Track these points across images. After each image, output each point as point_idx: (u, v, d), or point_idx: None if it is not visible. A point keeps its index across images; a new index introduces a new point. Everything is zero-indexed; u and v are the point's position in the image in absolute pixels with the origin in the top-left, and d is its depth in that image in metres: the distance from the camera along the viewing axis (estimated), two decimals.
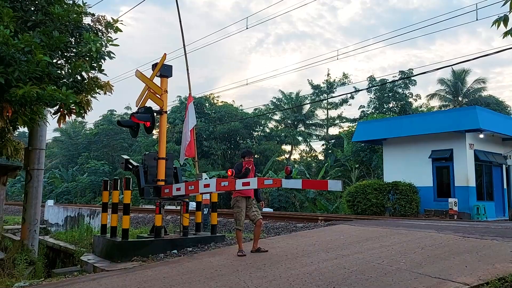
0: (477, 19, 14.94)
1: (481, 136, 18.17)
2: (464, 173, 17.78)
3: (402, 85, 35.32)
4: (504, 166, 19.97)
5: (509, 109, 37.89)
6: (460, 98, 39.63)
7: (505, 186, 20.05)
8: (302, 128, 46.25)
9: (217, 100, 43.73)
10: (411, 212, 18.00)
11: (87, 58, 7.41)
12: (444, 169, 18.86)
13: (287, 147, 46.25)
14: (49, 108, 7.86)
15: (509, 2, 3.54)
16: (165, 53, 9.13)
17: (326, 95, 43.40)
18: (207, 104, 42.25)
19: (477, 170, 18.34)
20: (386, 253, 6.49)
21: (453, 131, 17.81)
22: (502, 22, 3.67)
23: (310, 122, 46.30)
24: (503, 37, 3.67)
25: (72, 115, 7.68)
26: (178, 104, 40.78)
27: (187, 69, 12.37)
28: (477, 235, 7.63)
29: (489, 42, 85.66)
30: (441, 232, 8.17)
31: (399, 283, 4.84)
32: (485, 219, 16.75)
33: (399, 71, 34.78)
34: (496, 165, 19.66)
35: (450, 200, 17.11)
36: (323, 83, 43.88)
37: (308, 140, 46.18)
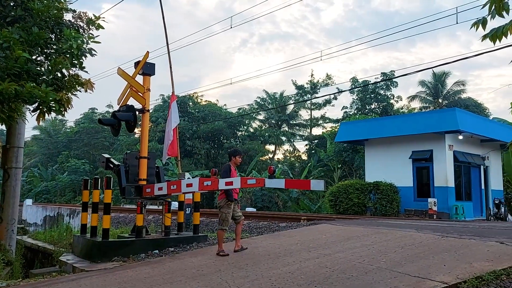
0: (457, 22, 15.28)
1: (460, 137, 18.50)
2: (444, 173, 18.09)
3: (384, 87, 35.76)
4: (482, 167, 20.37)
5: (487, 111, 38.69)
6: (440, 100, 40.32)
7: (483, 187, 20.43)
8: (286, 128, 46.42)
9: (201, 99, 43.59)
10: (391, 211, 18.23)
11: (68, 55, 7.29)
12: (424, 170, 19.14)
13: (271, 147, 46.40)
14: (27, 106, 7.71)
15: (488, 5, 3.62)
16: (147, 51, 9.06)
17: (309, 96, 43.64)
18: (190, 103, 42.03)
19: (456, 171, 18.68)
20: (367, 252, 6.55)
21: (433, 132, 18.10)
22: (480, 25, 3.75)
23: (294, 122, 46.52)
24: (482, 40, 3.75)
25: (51, 113, 7.54)
26: (161, 103, 40.47)
27: (170, 68, 12.27)
28: (456, 234, 7.76)
29: (468, 46, 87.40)
30: (420, 231, 8.29)
31: (379, 282, 4.89)
32: (463, 218, 17.06)
33: (381, 73, 35.23)
34: (474, 166, 20.05)
35: (429, 200, 17.38)
36: (307, 83, 44.14)
37: (292, 140, 46.39)
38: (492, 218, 18.36)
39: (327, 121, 45.13)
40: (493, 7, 3.65)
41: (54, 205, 23.46)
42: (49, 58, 7.42)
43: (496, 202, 18.56)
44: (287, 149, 48.29)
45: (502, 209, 18.28)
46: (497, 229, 9.33)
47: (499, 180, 21.65)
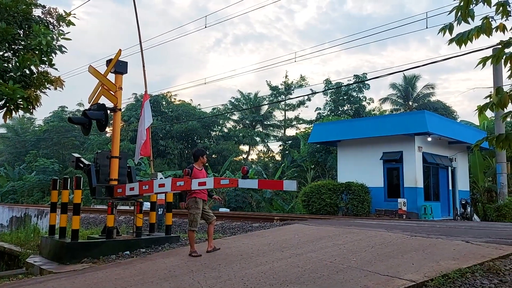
0: (427, 27, 15.70)
1: (429, 139, 18.98)
2: (413, 174, 18.52)
3: (357, 89, 36.30)
4: (449, 168, 20.95)
5: (455, 114, 39.83)
6: (410, 103, 41.27)
7: (450, 187, 21.02)
8: (260, 129, 46.53)
9: (175, 99, 43.19)
10: (363, 211, 18.53)
11: (37, 52, 7.11)
12: (394, 171, 19.55)
13: (245, 147, 46.43)
14: None
15: (455, 11, 3.75)
16: (120, 49, 8.93)
17: (284, 97, 43.91)
18: (164, 103, 41.57)
19: (425, 172, 19.14)
20: (338, 252, 6.65)
21: (403, 134, 18.50)
22: (447, 30, 3.88)
23: (268, 123, 46.69)
24: (448, 44, 3.88)
25: (19, 110, 7.35)
26: (134, 102, 39.89)
27: (143, 66, 12.11)
28: (424, 234, 7.96)
29: (437, 50, 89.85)
30: (390, 231, 8.46)
31: (349, 281, 4.97)
32: (431, 218, 17.52)
33: (354, 75, 35.77)
34: (442, 167, 20.61)
35: (399, 200, 17.77)
36: (281, 84, 44.39)
37: (266, 141, 46.53)
38: (458, 218, 18.91)
39: (301, 122, 45.54)
40: (459, 14, 3.78)
41: (21, 206, 22.79)
42: (17, 54, 7.22)
43: (463, 202, 19.13)
44: (261, 150, 48.48)
45: (468, 209, 18.86)
46: (463, 228, 9.63)
47: (465, 181, 22.34)
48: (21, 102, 7.07)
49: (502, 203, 18.39)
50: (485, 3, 3.76)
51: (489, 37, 3.82)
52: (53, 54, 7.36)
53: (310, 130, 29.39)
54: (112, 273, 6.36)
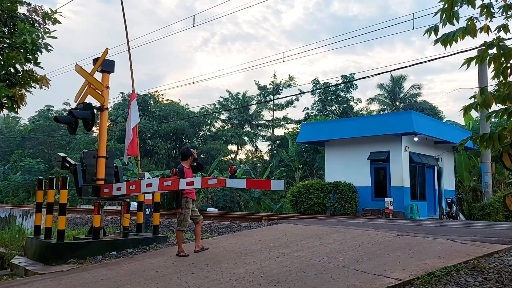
0: (413, 28, 15.87)
1: (416, 139, 19.18)
2: (400, 174, 18.68)
3: (344, 89, 36.49)
4: (435, 168, 21.18)
5: (441, 114, 40.27)
6: (397, 103, 41.62)
7: (436, 187, 21.26)
8: (248, 129, 46.53)
9: (162, 98, 42.97)
10: (350, 211, 18.64)
11: (22, 50, 7.03)
12: (381, 170, 19.69)
13: (233, 147, 46.37)
14: None
15: (439, 13, 3.80)
16: (107, 48, 8.86)
17: (272, 96, 43.98)
18: (151, 102, 41.33)
19: (411, 171, 19.32)
20: (326, 251, 6.68)
21: (390, 134, 18.66)
22: (433, 32, 3.94)
23: (256, 122, 46.71)
24: (434, 44, 3.93)
25: (4, 109, 7.25)
26: (121, 101, 39.57)
27: (131, 65, 11.98)
28: (410, 232, 8.05)
29: (422, 51, 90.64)
30: (377, 230, 8.53)
31: (337, 280, 5.00)
32: (418, 217, 17.69)
33: (342, 75, 35.97)
34: (428, 167, 20.83)
35: (386, 199, 17.92)
36: (270, 84, 44.44)
37: (254, 141, 46.55)
38: (444, 217, 19.16)
39: (289, 122, 45.65)
40: (444, 15, 3.83)
41: (6, 206, 22.46)
42: (2, 52, 7.13)
43: (449, 201, 19.37)
44: (249, 150, 48.48)
45: (454, 208, 19.11)
46: (449, 227, 9.75)
47: (451, 181, 22.61)
48: (6, 101, 6.98)
49: (487, 202, 18.65)
50: (470, 5, 3.82)
51: (473, 38, 3.88)
52: (38, 53, 7.28)
53: (298, 130, 29.48)
54: (98, 273, 6.30)
